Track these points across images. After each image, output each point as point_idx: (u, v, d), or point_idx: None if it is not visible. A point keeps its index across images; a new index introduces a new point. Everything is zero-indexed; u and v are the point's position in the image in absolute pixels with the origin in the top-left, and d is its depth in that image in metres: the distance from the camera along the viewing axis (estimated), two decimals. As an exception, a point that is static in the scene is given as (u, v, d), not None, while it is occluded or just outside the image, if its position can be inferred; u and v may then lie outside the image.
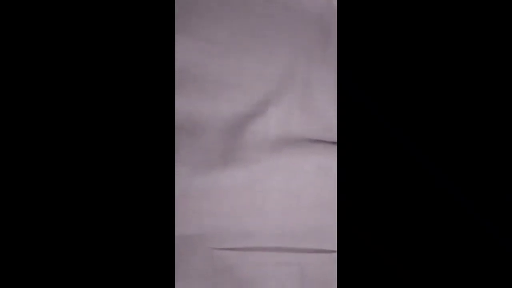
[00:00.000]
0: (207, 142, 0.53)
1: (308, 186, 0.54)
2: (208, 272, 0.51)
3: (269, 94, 0.55)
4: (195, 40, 0.54)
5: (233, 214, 0.52)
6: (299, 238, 0.54)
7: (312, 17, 0.57)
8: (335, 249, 0.55)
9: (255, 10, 0.55)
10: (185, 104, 0.53)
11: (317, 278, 0.54)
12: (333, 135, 0.57)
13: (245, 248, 0.52)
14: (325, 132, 0.56)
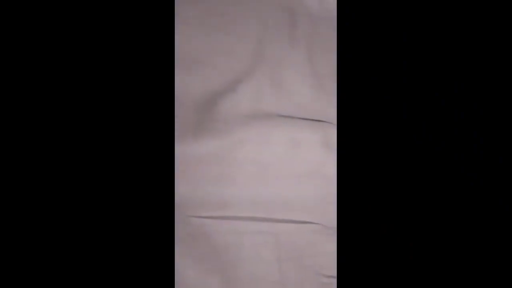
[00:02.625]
0: (180, 115, 0.55)
1: (279, 158, 0.57)
2: (185, 238, 0.53)
3: (240, 72, 0.58)
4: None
5: (207, 183, 0.54)
6: (274, 209, 0.57)
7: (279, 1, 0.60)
8: (309, 220, 0.58)
9: None
10: None
11: (292, 247, 0.56)
12: (303, 112, 0.60)
13: (221, 216, 0.54)
14: (296, 109, 0.59)
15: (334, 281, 0.57)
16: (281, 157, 0.57)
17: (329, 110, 0.60)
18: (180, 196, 0.54)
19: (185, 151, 0.55)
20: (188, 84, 0.56)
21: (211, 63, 0.57)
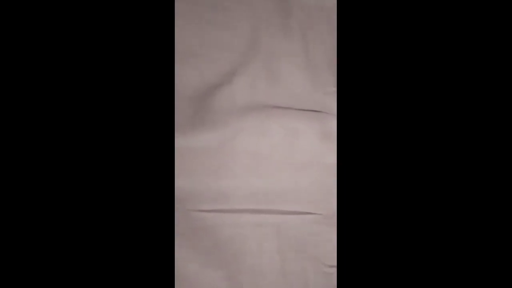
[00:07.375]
0: (177, 109, 0.55)
1: (276, 149, 0.57)
2: (186, 232, 0.53)
3: (234, 65, 0.57)
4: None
5: (205, 175, 0.54)
6: (273, 200, 0.56)
7: None
8: (309, 210, 0.57)
9: None
10: None
11: (293, 238, 0.56)
12: (299, 103, 0.59)
13: (221, 210, 0.54)
14: (292, 100, 0.59)
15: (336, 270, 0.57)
16: (279, 148, 0.57)
17: (326, 100, 0.60)
18: (180, 190, 0.53)
19: (183, 145, 0.54)
20: (184, 78, 0.56)
21: (206, 56, 0.57)
